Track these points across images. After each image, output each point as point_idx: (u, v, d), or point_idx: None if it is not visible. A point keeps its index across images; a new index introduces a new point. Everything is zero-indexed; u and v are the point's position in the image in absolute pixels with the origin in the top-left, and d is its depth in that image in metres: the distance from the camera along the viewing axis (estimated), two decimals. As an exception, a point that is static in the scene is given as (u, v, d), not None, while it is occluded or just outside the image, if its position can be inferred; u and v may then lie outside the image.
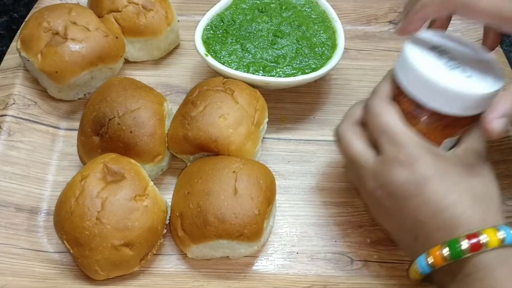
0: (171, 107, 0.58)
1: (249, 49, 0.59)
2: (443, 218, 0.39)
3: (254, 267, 0.50)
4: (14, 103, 0.58)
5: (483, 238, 0.37)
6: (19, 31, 0.60)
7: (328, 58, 0.59)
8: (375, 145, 0.43)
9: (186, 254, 0.50)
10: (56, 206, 0.49)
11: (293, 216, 0.54)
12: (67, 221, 0.47)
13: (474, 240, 0.37)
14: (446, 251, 0.38)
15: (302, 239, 0.52)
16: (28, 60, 0.57)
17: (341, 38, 0.60)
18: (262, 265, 0.50)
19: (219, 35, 0.60)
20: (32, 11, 0.66)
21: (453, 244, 0.38)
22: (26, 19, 0.61)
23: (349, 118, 0.46)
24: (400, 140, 0.41)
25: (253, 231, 0.47)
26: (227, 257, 0.50)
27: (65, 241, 0.47)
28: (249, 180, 0.48)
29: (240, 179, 0.48)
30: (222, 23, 0.61)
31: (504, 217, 0.40)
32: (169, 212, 0.50)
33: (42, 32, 0.57)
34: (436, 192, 0.39)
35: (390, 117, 0.42)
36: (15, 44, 0.62)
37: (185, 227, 0.48)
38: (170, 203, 0.51)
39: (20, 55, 0.58)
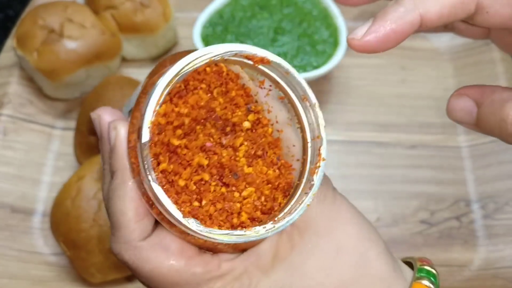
0: (170, 106, 0.57)
1: (249, 46, 0.58)
2: None
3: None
4: (9, 102, 0.58)
5: None
6: (14, 28, 0.59)
7: (330, 55, 0.58)
8: None
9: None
10: (52, 207, 0.48)
11: (294, 217, 0.53)
12: (63, 223, 0.46)
13: None
14: None
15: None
16: (24, 58, 0.57)
17: (343, 35, 0.60)
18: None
19: (218, 32, 0.59)
20: (28, 8, 0.65)
21: None
22: (21, 17, 0.60)
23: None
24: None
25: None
26: (227, 259, 0.50)
27: (61, 243, 0.47)
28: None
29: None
30: (221, 20, 0.60)
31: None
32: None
33: (38, 29, 0.56)
34: None
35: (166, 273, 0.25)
36: (10, 42, 0.61)
37: (183, 229, 0.47)
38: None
39: (15, 53, 0.58)
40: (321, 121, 0.26)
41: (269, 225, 0.24)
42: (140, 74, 0.62)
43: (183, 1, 0.68)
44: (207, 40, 0.59)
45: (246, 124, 0.26)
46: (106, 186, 0.26)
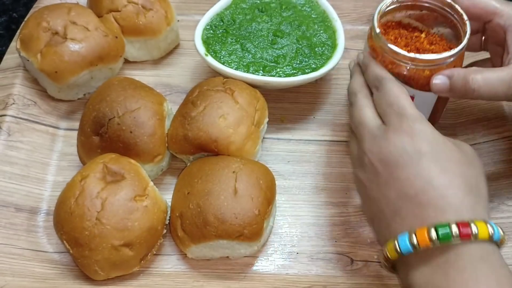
0: (171, 107, 0.58)
1: (249, 48, 0.59)
2: (431, 196, 0.38)
3: (254, 267, 0.50)
4: (13, 103, 0.58)
5: (474, 229, 0.36)
6: (18, 31, 0.60)
7: (328, 58, 0.59)
8: (381, 116, 0.45)
9: (186, 254, 0.50)
10: (56, 206, 0.49)
11: (293, 216, 0.54)
12: (67, 222, 0.47)
13: (465, 229, 0.36)
14: (434, 234, 0.37)
15: (302, 239, 0.52)
16: (28, 60, 0.57)
17: (341, 37, 0.60)
18: (262, 265, 0.50)
19: (219, 34, 0.60)
20: (32, 10, 0.66)
21: (442, 228, 0.37)
22: (25, 19, 0.61)
23: (359, 77, 0.50)
24: (406, 113, 0.42)
25: (253, 231, 0.47)
26: (227, 257, 0.50)
27: (65, 241, 0.47)
28: (249, 181, 0.48)
29: (240, 179, 0.48)
30: (222, 23, 0.61)
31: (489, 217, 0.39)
32: (169, 212, 0.50)
33: (42, 32, 0.57)
34: (429, 169, 0.39)
35: (400, 92, 0.44)
36: (14, 44, 0.62)
37: (185, 227, 0.48)
38: (170, 203, 0.51)
39: (19, 55, 0.58)
40: (467, 23, 0.48)
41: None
42: (142, 75, 0.63)
43: (184, 4, 0.69)
44: (208, 42, 0.59)
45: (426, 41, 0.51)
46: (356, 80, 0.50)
